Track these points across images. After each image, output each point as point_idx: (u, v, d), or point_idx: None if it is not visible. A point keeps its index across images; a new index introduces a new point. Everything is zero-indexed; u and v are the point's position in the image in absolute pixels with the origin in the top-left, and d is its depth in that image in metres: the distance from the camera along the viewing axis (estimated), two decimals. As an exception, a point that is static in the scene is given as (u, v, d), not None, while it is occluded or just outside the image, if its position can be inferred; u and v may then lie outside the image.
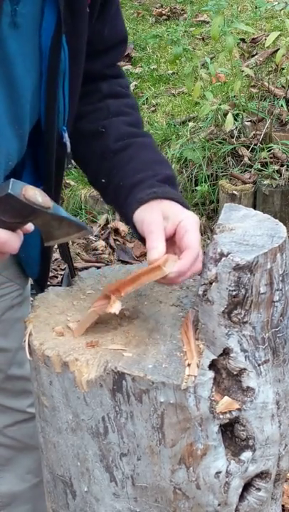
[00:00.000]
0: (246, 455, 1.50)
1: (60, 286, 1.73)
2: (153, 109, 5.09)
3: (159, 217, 1.58)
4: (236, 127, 4.45)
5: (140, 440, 1.47)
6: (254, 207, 4.11)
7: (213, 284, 1.45)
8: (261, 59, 4.99)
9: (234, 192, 4.19)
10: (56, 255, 4.16)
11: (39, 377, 1.56)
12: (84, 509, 1.61)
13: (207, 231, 4.35)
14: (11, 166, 1.70)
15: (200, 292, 1.48)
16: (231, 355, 1.46)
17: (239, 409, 1.47)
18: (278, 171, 4.26)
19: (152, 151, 1.76)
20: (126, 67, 5.49)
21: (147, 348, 1.49)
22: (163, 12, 5.88)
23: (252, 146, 4.40)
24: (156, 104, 5.11)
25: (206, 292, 1.47)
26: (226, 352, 1.46)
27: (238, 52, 5.09)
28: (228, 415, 1.46)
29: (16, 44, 1.57)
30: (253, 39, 5.21)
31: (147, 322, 1.57)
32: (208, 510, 1.52)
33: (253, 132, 4.47)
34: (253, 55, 5.09)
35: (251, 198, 4.23)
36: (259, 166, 4.29)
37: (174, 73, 5.33)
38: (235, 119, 4.42)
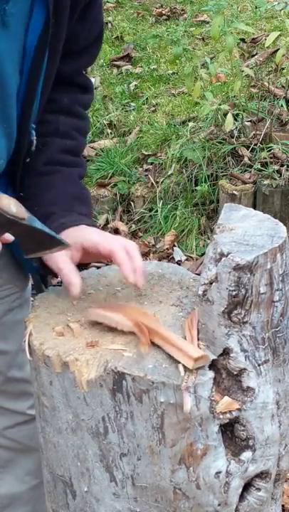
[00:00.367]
0: (246, 455, 1.50)
1: (60, 286, 1.73)
2: (153, 109, 5.09)
3: (62, 254, 1.64)
4: (236, 127, 4.45)
5: (140, 440, 1.47)
6: (254, 207, 4.11)
7: (213, 284, 1.45)
8: (261, 59, 4.99)
9: (234, 192, 4.19)
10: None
11: (39, 378, 1.56)
12: (84, 509, 1.61)
13: (207, 231, 4.35)
14: (2, 165, 1.70)
15: (200, 292, 1.48)
16: (231, 355, 1.46)
17: (239, 409, 1.47)
18: (278, 171, 4.26)
19: (74, 184, 1.77)
20: (126, 67, 5.49)
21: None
22: (163, 12, 5.88)
23: (252, 146, 4.40)
24: (156, 104, 5.11)
25: (206, 292, 1.47)
26: (226, 352, 1.46)
27: (238, 52, 5.08)
28: (228, 415, 1.46)
29: (5, 43, 1.57)
30: (253, 39, 5.21)
31: (147, 322, 1.57)
32: (208, 510, 1.52)
33: (253, 132, 4.47)
34: (253, 55, 5.09)
35: (251, 198, 4.23)
36: (259, 166, 4.29)
37: (174, 73, 5.32)
38: (235, 119, 4.42)
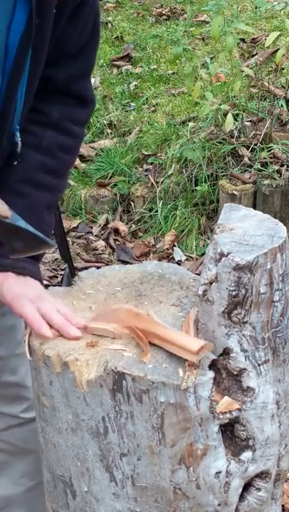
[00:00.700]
0: (246, 455, 1.50)
1: (60, 286, 1.72)
2: (153, 109, 5.08)
3: None
4: (236, 127, 4.45)
5: (140, 440, 1.47)
6: (254, 207, 4.11)
7: (213, 284, 1.45)
8: (261, 59, 4.98)
9: (234, 192, 4.18)
10: (56, 255, 4.17)
11: (39, 377, 1.55)
12: (84, 509, 1.61)
13: (207, 231, 4.35)
14: None
15: (200, 292, 1.48)
16: (231, 355, 1.46)
17: (239, 409, 1.47)
18: (278, 171, 4.26)
19: (38, 217, 1.68)
20: (126, 67, 5.49)
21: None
22: (163, 12, 5.88)
23: (252, 146, 4.40)
24: (156, 104, 5.11)
25: (206, 292, 1.47)
26: (226, 352, 1.46)
27: (238, 52, 5.08)
28: (228, 415, 1.46)
29: None
30: (253, 39, 5.21)
31: (147, 322, 1.57)
32: (208, 510, 1.52)
33: (253, 132, 4.47)
34: (253, 55, 5.09)
35: (251, 198, 4.23)
36: (259, 166, 4.29)
37: (174, 73, 5.32)
38: (235, 119, 4.42)
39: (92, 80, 4.30)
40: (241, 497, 1.54)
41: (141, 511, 1.54)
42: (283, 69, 4.70)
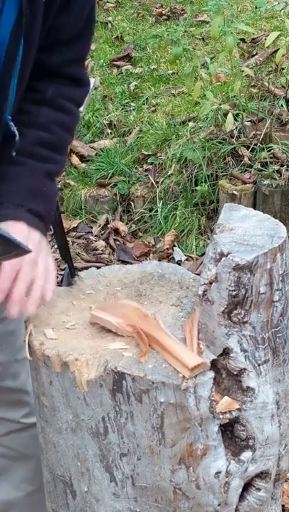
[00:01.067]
0: (246, 455, 1.50)
1: (60, 286, 1.72)
2: (153, 109, 5.08)
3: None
4: (236, 127, 4.45)
5: (140, 440, 1.47)
6: (254, 207, 4.11)
7: (213, 284, 1.45)
8: (261, 59, 4.98)
9: (234, 192, 4.18)
10: (56, 255, 4.16)
11: (39, 377, 1.55)
12: (84, 509, 1.61)
13: (207, 231, 4.35)
14: None
15: (200, 292, 1.48)
16: (231, 355, 1.46)
17: (239, 409, 1.47)
18: (278, 171, 4.26)
19: (36, 180, 1.68)
20: (126, 67, 5.48)
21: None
22: (163, 12, 5.87)
23: (252, 146, 4.40)
24: (156, 104, 5.11)
25: (206, 292, 1.47)
26: (226, 352, 1.46)
27: (238, 52, 5.08)
28: (228, 415, 1.46)
29: None
30: (253, 39, 5.21)
31: (147, 322, 1.57)
32: (208, 510, 1.52)
33: (253, 132, 4.47)
34: (253, 55, 5.08)
35: (251, 198, 4.23)
36: (259, 166, 4.29)
37: (174, 73, 5.32)
38: (235, 119, 4.42)
39: (92, 80, 4.30)
40: (241, 497, 1.54)
41: (141, 511, 1.54)
42: (283, 69, 4.70)
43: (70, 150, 4.74)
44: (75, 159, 4.84)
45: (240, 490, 1.53)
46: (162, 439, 1.46)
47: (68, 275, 1.85)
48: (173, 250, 4.30)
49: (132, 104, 5.18)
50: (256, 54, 5.08)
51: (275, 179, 4.20)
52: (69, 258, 1.94)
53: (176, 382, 1.41)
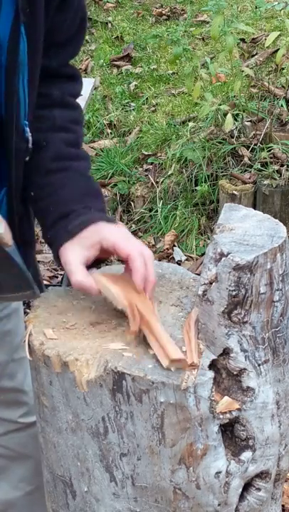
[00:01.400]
0: (246, 455, 1.50)
1: (60, 286, 1.72)
2: (153, 109, 5.08)
3: (77, 258, 1.61)
4: (236, 127, 4.45)
5: (140, 440, 1.47)
6: (254, 207, 4.11)
7: (213, 284, 1.45)
8: (261, 59, 4.98)
9: (234, 192, 4.18)
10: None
11: (39, 377, 1.55)
12: (84, 509, 1.61)
13: (207, 231, 4.35)
14: None
15: (200, 292, 1.48)
16: (231, 355, 1.46)
17: (239, 409, 1.47)
18: (278, 171, 4.26)
19: (86, 179, 1.74)
20: (126, 67, 5.48)
21: (147, 348, 1.48)
22: (163, 12, 5.88)
23: (252, 146, 4.40)
24: (156, 104, 5.11)
25: (206, 292, 1.47)
26: (226, 352, 1.46)
27: (238, 52, 5.08)
28: (228, 415, 1.46)
29: None
30: (253, 39, 5.21)
31: (147, 322, 1.57)
32: (208, 510, 1.52)
33: (253, 132, 4.47)
34: (253, 55, 5.09)
35: (251, 198, 4.23)
36: (259, 166, 4.29)
37: (174, 73, 5.32)
38: (235, 119, 4.42)
39: (92, 80, 4.31)
40: (241, 497, 1.54)
41: (141, 511, 1.54)
42: (283, 69, 4.70)
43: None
44: (75, 159, 4.84)
45: (240, 490, 1.53)
46: (162, 439, 1.46)
47: (68, 275, 1.85)
48: (173, 250, 4.30)
49: (132, 104, 5.18)
50: (256, 54, 5.09)
51: (275, 179, 4.20)
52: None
53: (176, 382, 1.41)
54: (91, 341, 1.53)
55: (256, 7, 5.32)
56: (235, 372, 1.47)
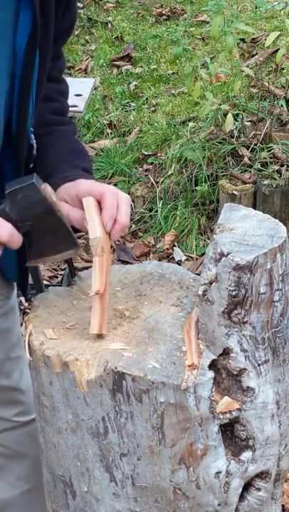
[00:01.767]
0: (246, 455, 1.50)
1: (60, 286, 1.72)
2: (153, 109, 5.08)
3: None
4: (236, 127, 4.45)
5: (140, 440, 1.47)
6: (254, 207, 4.11)
7: (213, 284, 1.45)
8: (261, 59, 4.98)
9: (234, 192, 4.18)
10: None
11: (39, 377, 1.55)
12: (84, 509, 1.61)
13: (207, 231, 4.35)
14: None
15: (200, 292, 1.48)
16: (231, 355, 1.46)
17: (239, 409, 1.47)
18: (278, 171, 4.26)
19: (72, 141, 1.81)
20: (126, 67, 5.49)
21: (147, 348, 1.49)
22: (163, 12, 5.88)
23: (252, 146, 4.40)
24: (156, 104, 5.11)
25: (206, 292, 1.47)
26: (226, 352, 1.46)
27: (238, 52, 5.08)
28: (228, 415, 1.46)
29: None
30: (253, 39, 5.21)
31: (147, 322, 1.57)
32: (208, 510, 1.52)
33: (253, 132, 4.47)
34: (253, 55, 5.09)
35: (251, 198, 4.23)
36: (259, 166, 4.29)
37: (174, 73, 5.32)
38: (235, 119, 4.42)
39: (92, 80, 4.31)
40: (241, 497, 1.54)
41: (141, 511, 1.54)
42: (283, 69, 4.70)
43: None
44: (75, 159, 4.84)
45: (240, 490, 1.53)
46: (162, 439, 1.46)
47: (68, 275, 1.86)
48: (173, 250, 4.30)
49: (132, 104, 5.18)
50: (256, 54, 5.09)
51: (275, 179, 4.20)
52: (69, 258, 1.94)
53: (176, 383, 1.41)
54: (91, 341, 1.53)
55: (256, 7, 5.32)
56: (235, 372, 1.47)
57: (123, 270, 1.75)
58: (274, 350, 1.49)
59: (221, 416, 1.45)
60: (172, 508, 1.52)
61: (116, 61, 5.56)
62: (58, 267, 4.14)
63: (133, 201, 4.59)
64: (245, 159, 4.37)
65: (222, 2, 4.25)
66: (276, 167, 4.26)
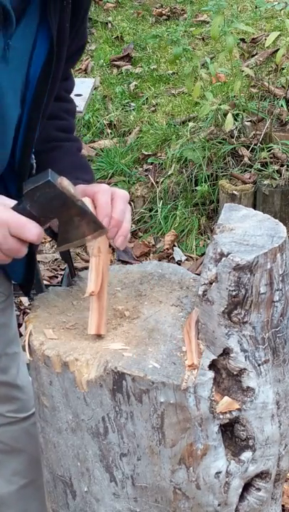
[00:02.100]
0: (246, 455, 1.50)
1: (60, 286, 1.72)
2: (153, 109, 5.08)
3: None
4: (236, 127, 4.45)
5: (140, 440, 1.47)
6: (254, 207, 4.11)
7: (213, 284, 1.45)
8: (261, 59, 4.99)
9: (234, 192, 4.18)
10: (56, 255, 4.16)
11: (39, 377, 1.55)
12: (84, 509, 1.61)
13: (207, 231, 4.35)
14: None
15: (200, 292, 1.48)
16: (231, 355, 1.46)
17: (239, 409, 1.47)
18: (278, 171, 4.26)
19: (74, 156, 1.83)
20: (126, 67, 5.48)
21: (147, 348, 1.49)
22: (163, 12, 5.88)
23: (252, 146, 4.40)
24: (156, 104, 5.11)
25: (206, 292, 1.47)
26: (226, 352, 1.46)
27: (238, 52, 5.08)
28: (228, 415, 1.46)
29: (6, 76, 1.58)
30: (253, 39, 5.21)
31: (147, 322, 1.57)
32: (208, 510, 1.52)
33: (253, 132, 4.47)
34: (253, 55, 5.09)
35: (251, 198, 4.23)
36: (259, 166, 4.29)
37: (174, 73, 5.32)
38: (235, 119, 4.42)
39: (92, 80, 4.31)
40: (241, 497, 1.54)
41: (141, 511, 1.54)
42: (283, 69, 4.70)
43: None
44: (75, 159, 4.84)
45: (240, 490, 1.53)
46: (162, 439, 1.46)
47: (68, 275, 1.86)
48: (173, 250, 4.30)
49: (132, 104, 5.18)
50: (256, 54, 5.09)
51: (275, 179, 4.19)
52: (69, 258, 1.94)
53: (176, 383, 1.41)
54: (91, 341, 1.53)
55: (256, 7, 5.32)
56: (235, 372, 1.47)
57: (123, 270, 1.75)
58: (274, 350, 1.49)
59: (221, 416, 1.45)
60: (172, 508, 1.52)
61: (116, 61, 5.56)
62: (58, 267, 4.14)
63: (133, 201, 4.59)
64: (245, 159, 4.37)
65: (222, 2, 4.25)
66: (276, 167, 4.26)
